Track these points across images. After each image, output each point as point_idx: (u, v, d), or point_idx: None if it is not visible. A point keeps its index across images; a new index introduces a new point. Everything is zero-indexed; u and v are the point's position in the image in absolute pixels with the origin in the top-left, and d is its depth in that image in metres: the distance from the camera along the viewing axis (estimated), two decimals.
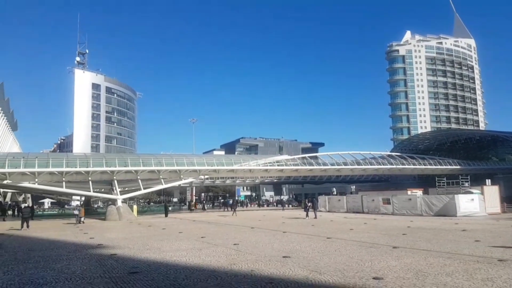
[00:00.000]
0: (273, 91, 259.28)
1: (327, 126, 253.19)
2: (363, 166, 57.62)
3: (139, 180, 41.25)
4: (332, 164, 55.94)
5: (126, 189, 44.05)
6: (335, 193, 60.66)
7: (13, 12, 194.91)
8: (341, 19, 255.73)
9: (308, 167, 53.82)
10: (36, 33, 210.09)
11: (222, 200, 74.14)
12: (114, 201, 38.82)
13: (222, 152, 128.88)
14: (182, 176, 45.14)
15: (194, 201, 69.92)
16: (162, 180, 43.13)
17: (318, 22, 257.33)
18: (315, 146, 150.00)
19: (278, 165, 52.60)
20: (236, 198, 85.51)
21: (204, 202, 70.72)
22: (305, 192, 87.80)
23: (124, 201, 40.54)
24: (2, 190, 57.21)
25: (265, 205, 66.52)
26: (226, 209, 51.55)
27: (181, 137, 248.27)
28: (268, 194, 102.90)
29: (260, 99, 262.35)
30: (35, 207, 52.66)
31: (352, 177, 69.23)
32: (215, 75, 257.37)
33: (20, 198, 73.56)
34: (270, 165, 52.32)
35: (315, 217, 29.27)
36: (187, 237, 17.21)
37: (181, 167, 44.33)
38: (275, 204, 68.59)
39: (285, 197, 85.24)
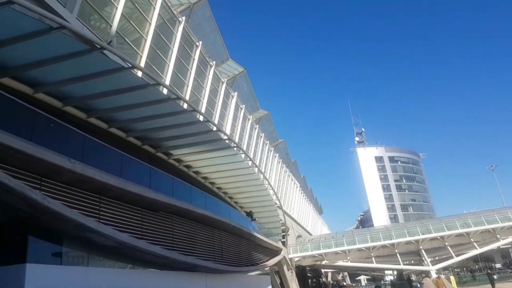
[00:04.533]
0: None
1: None
2: None
3: (448, 247, 37.81)
4: None
5: (436, 258, 40.81)
6: None
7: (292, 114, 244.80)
8: None
9: None
10: (315, 128, 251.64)
11: None
12: (427, 273, 37.11)
13: None
14: (498, 236, 37.79)
15: None
16: (474, 243, 37.80)
17: None
18: None
19: None
20: None
21: None
22: None
23: (438, 272, 37.04)
24: (323, 270, 65.02)
25: None
26: None
27: (481, 189, 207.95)
28: None
29: None
30: (353, 284, 56.01)
31: None
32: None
33: (339, 277, 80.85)
34: None
35: None
36: None
37: (494, 225, 37.75)
38: None
39: None
